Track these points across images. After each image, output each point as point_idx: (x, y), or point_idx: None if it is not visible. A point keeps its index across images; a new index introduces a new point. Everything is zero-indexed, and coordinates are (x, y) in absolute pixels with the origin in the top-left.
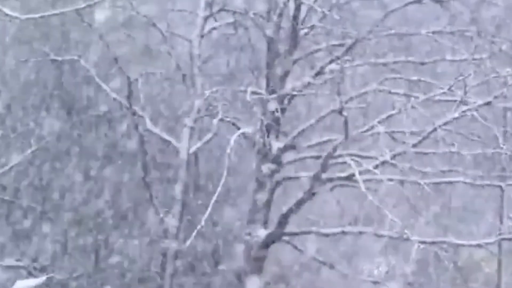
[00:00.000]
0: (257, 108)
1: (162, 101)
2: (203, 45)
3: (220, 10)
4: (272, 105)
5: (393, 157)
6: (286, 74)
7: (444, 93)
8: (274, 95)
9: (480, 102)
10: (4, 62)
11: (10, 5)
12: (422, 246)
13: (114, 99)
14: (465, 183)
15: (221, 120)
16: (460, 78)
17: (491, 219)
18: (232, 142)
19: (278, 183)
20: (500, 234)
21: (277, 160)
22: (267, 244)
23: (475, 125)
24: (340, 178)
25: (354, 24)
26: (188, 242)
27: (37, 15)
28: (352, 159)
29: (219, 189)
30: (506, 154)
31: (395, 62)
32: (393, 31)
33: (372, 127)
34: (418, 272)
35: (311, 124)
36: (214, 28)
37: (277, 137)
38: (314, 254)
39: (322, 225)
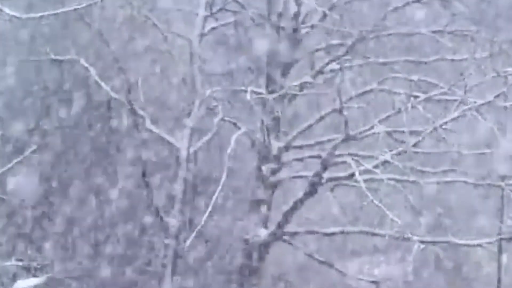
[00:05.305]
0: (257, 108)
1: (162, 100)
2: (203, 45)
3: (220, 9)
4: (272, 105)
5: (393, 156)
6: (286, 74)
7: (444, 92)
8: (274, 95)
9: (480, 102)
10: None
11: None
12: (422, 245)
13: (115, 98)
14: (466, 183)
15: (222, 120)
16: (461, 77)
17: (491, 219)
18: (232, 142)
19: (278, 183)
20: (500, 234)
21: (277, 160)
22: (267, 244)
23: (475, 125)
24: (340, 178)
25: (354, 24)
26: (188, 242)
27: (37, 15)
28: (352, 159)
29: (219, 188)
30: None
31: (395, 62)
32: (393, 31)
33: (372, 127)
34: (418, 272)
35: (311, 124)
36: (214, 28)
37: (277, 137)
38: (314, 254)
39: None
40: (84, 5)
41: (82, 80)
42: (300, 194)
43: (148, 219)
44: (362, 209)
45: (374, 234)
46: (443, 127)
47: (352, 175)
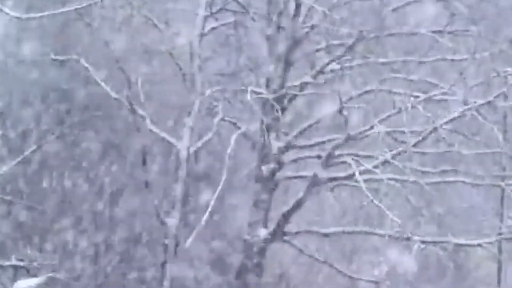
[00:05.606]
0: (257, 108)
1: (162, 100)
2: (203, 45)
3: (220, 9)
4: (272, 105)
5: (394, 156)
6: (286, 74)
7: (444, 92)
8: (274, 95)
9: (481, 101)
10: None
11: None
12: (422, 245)
13: (115, 98)
14: (466, 183)
15: (222, 120)
16: (461, 77)
17: (491, 219)
18: (232, 142)
19: (278, 183)
20: (500, 234)
21: (277, 160)
22: (267, 243)
23: (475, 125)
24: (340, 178)
25: (354, 24)
26: (188, 242)
27: (37, 15)
28: (352, 159)
29: (219, 188)
30: (506, 154)
31: (395, 62)
32: (393, 31)
33: (372, 127)
34: (418, 272)
35: (311, 124)
36: (214, 28)
37: (277, 137)
38: (314, 254)
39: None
40: (84, 5)
41: (82, 79)
42: (300, 194)
43: (148, 219)
44: (362, 209)
45: (374, 234)
46: (443, 127)
47: (352, 175)
